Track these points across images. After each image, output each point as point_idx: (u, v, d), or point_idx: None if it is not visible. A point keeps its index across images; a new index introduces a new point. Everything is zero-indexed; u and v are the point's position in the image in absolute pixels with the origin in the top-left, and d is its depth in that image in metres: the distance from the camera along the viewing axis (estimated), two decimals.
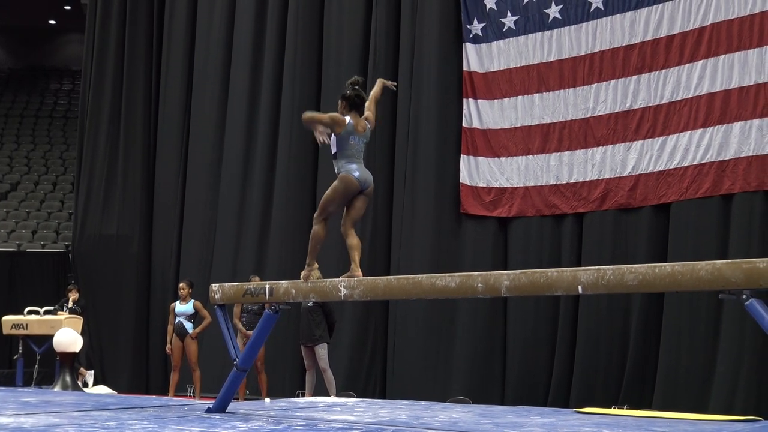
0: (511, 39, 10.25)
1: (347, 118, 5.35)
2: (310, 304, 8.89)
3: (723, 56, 8.77)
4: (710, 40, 8.88)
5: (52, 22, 24.88)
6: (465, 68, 10.49)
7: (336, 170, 5.37)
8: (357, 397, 8.76)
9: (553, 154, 9.84)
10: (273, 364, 10.51)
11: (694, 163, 8.85)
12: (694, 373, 8.58)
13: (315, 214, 5.47)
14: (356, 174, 5.29)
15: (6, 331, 11.37)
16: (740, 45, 8.66)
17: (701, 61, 8.92)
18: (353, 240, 5.40)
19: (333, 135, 5.36)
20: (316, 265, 5.63)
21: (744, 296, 3.53)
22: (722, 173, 8.66)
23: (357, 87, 5.43)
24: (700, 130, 8.86)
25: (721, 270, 3.58)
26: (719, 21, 8.83)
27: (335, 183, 5.36)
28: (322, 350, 9.16)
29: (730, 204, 8.65)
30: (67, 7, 23.23)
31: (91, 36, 13.95)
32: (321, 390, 9.21)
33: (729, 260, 3.69)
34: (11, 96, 22.56)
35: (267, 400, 8.51)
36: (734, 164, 8.59)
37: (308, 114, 5.54)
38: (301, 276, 5.44)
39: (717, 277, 3.59)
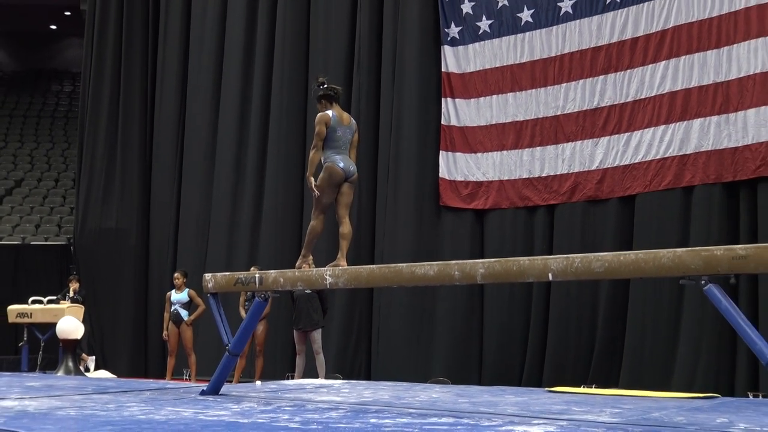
0: (486, 41, 10.25)
1: (329, 112, 5.40)
2: (308, 291, 8.84)
3: (684, 57, 8.80)
4: (672, 42, 8.90)
5: (53, 27, 24.70)
6: (443, 69, 10.48)
7: (322, 161, 5.41)
8: (344, 378, 8.75)
9: (526, 149, 9.86)
10: (265, 350, 10.49)
11: (657, 157, 8.88)
12: (657, 354, 8.63)
13: (312, 209, 5.50)
14: (340, 164, 5.37)
15: (11, 319, 11.31)
16: (699, 46, 8.70)
17: (663, 62, 8.95)
18: (345, 228, 5.46)
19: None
20: (311, 257, 5.63)
21: (703, 282, 3.54)
22: (683, 167, 8.70)
23: (324, 84, 5.47)
24: (662, 127, 8.89)
25: (682, 257, 3.59)
26: (680, 24, 8.86)
27: (321, 174, 5.40)
28: (317, 334, 9.15)
29: (690, 195, 8.69)
30: (67, 13, 23.07)
31: (90, 40, 13.87)
32: (310, 373, 9.20)
33: (689, 248, 3.70)
34: (15, 97, 22.40)
35: (258, 382, 8.49)
36: (694, 158, 8.63)
37: (309, 179, 5.39)
38: (296, 265, 5.48)
39: (678, 264, 3.59)
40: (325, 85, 5.49)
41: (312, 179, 5.39)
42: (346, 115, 5.51)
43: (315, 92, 5.53)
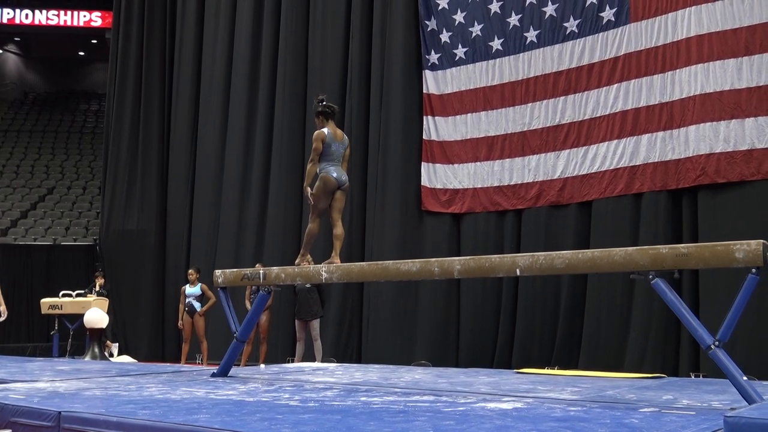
0: (461, 67, 10.27)
1: (325, 130, 5.35)
2: (308, 286, 8.79)
3: (633, 80, 8.85)
4: (623, 67, 8.95)
5: (82, 53, 24.62)
6: (425, 91, 10.50)
7: (318, 172, 5.38)
8: (337, 362, 8.72)
9: (497, 161, 9.88)
10: (268, 337, 10.46)
11: (611, 168, 8.92)
12: (611, 340, 8.65)
13: (310, 214, 5.47)
14: (334, 174, 5.32)
15: (44, 311, 11.25)
16: (647, 71, 8.74)
17: (616, 85, 8.99)
18: (338, 230, 5.42)
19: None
20: (309, 256, 5.59)
21: (650, 276, 3.54)
22: (633, 176, 8.74)
23: (324, 102, 5.43)
24: (615, 141, 8.94)
25: (632, 255, 3.59)
26: (630, 52, 8.92)
27: (317, 183, 5.36)
28: (316, 323, 9.10)
29: (640, 201, 8.73)
30: (94, 41, 23.04)
31: (114, 65, 13.85)
32: (308, 358, 9.18)
33: (638, 247, 3.70)
34: (47, 115, 22.30)
35: (262, 366, 8.46)
36: (643, 169, 8.67)
37: (306, 189, 5.31)
38: (296, 263, 5.45)
39: (629, 261, 3.59)
40: (324, 103, 5.43)
41: (309, 189, 5.35)
42: (339, 131, 5.46)
43: (315, 107, 5.47)
